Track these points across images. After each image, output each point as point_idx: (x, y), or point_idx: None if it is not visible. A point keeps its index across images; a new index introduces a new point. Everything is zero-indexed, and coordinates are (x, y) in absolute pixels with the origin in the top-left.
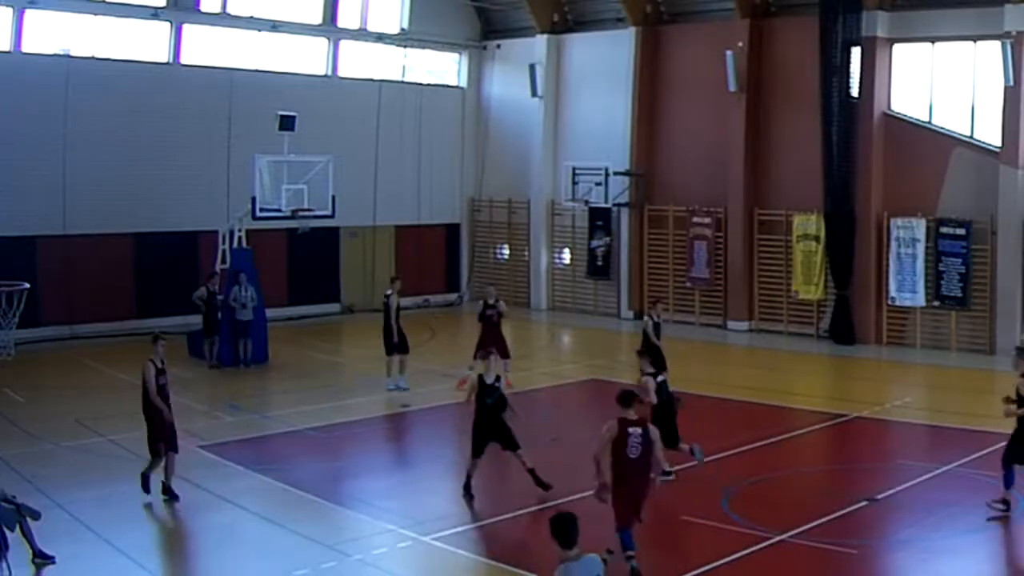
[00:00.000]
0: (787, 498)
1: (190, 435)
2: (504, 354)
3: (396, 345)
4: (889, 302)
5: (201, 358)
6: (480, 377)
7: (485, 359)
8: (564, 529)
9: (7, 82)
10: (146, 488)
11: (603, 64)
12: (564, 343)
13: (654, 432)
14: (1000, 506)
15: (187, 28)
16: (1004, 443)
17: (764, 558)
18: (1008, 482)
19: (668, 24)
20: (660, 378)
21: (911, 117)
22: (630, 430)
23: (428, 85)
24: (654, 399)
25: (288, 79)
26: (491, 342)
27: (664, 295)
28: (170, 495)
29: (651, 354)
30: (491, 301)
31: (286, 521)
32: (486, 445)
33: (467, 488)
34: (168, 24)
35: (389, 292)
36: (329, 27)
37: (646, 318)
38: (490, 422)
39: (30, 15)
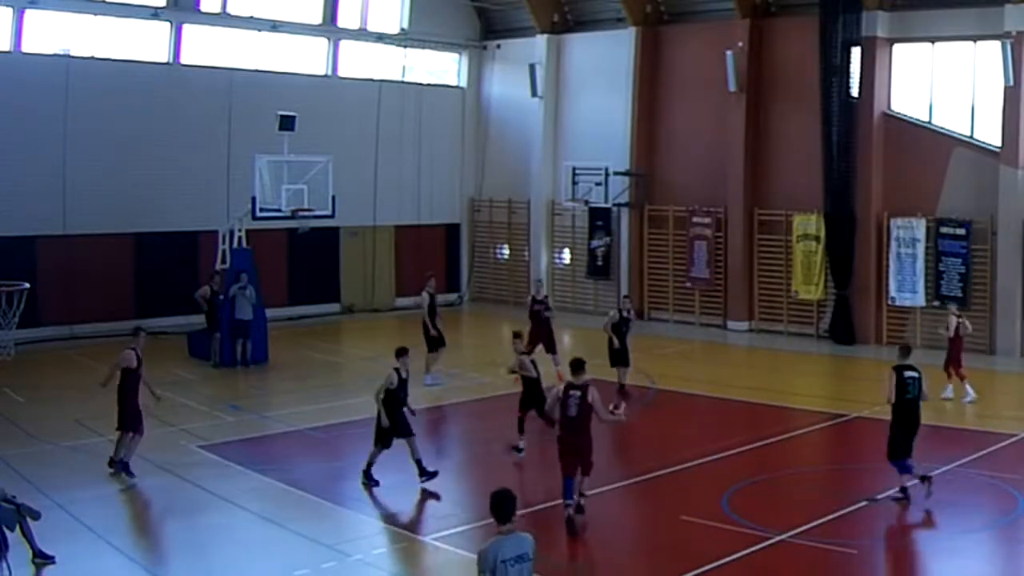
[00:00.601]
0: (787, 498)
1: (190, 435)
2: (551, 349)
3: (433, 340)
4: (889, 302)
5: (201, 358)
6: (397, 371)
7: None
8: (499, 505)
9: (7, 82)
10: (129, 472)
11: (603, 64)
12: (564, 343)
13: (593, 393)
14: (900, 494)
15: (187, 28)
16: (1004, 444)
17: (764, 558)
18: (905, 469)
19: (668, 24)
20: (532, 359)
21: (911, 117)
22: (570, 392)
23: (428, 85)
24: (533, 373)
25: (288, 79)
26: (540, 337)
27: (632, 294)
28: (115, 468)
29: (610, 348)
30: (539, 297)
31: (286, 521)
32: (393, 438)
33: (368, 475)
34: (168, 24)
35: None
36: (329, 27)
37: (612, 312)
38: (399, 415)
39: (30, 15)
